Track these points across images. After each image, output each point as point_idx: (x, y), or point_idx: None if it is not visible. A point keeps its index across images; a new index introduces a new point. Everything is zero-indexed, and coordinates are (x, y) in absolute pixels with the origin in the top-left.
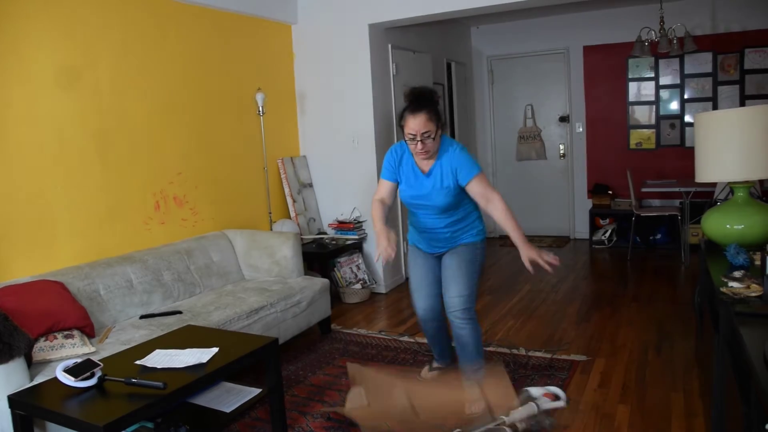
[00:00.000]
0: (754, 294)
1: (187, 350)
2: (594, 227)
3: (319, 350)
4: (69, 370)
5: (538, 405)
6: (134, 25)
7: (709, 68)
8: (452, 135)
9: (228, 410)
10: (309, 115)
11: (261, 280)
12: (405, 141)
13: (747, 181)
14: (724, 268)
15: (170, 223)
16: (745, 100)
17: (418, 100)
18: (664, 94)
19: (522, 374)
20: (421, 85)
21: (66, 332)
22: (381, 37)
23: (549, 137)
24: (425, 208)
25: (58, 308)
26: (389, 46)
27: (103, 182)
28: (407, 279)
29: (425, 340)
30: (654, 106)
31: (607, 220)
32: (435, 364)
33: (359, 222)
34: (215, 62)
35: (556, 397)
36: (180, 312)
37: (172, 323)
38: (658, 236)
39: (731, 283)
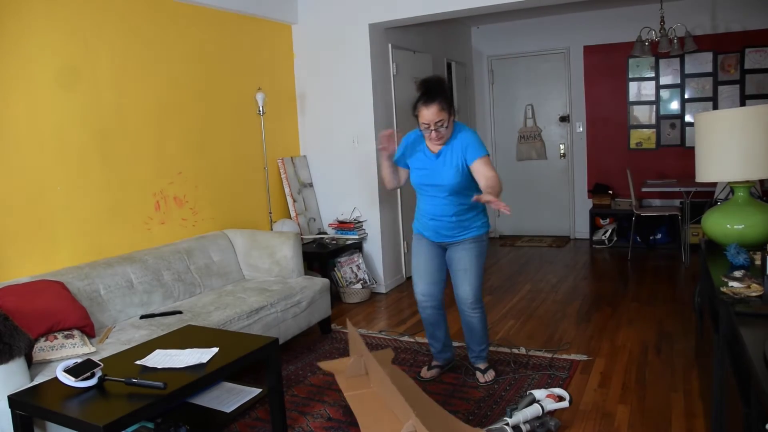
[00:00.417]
0: (754, 294)
1: (188, 350)
2: (594, 227)
3: (319, 350)
4: (69, 370)
5: (542, 406)
6: (134, 25)
7: (709, 68)
8: None
9: (228, 410)
10: (309, 115)
11: (261, 280)
12: (419, 130)
13: (747, 181)
14: (724, 268)
15: (170, 223)
16: (746, 99)
17: (430, 91)
18: (665, 93)
19: (522, 374)
20: (430, 75)
21: (66, 332)
22: (381, 37)
23: (549, 137)
24: (434, 189)
25: (58, 308)
26: (389, 46)
27: (104, 182)
28: (408, 279)
29: (425, 340)
30: (654, 106)
31: (608, 220)
32: (434, 363)
33: (359, 222)
34: (215, 62)
35: (560, 399)
36: (180, 312)
37: (172, 323)
38: (659, 236)
39: (731, 283)
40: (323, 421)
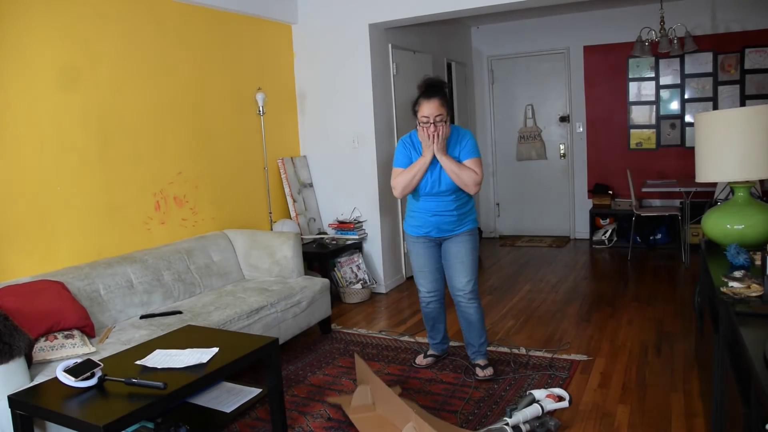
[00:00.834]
0: (754, 294)
1: (187, 350)
2: (594, 227)
3: (319, 350)
4: (69, 370)
5: (542, 406)
6: (134, 25)
7: (709, 68)
8: None
9: (228, 410)
10: (309, 115)
11: (261, 280)
12: (416, 129)
13: (747, 181)
14: (724, 268)
15: (170, 222)
16: (746, 100)
17: (432, 88)
18: (665, 94)
19: (522, 374)
20: (432, 76)
21: (66, 332)
22: (381, 37)
23: (549, 137)
24: (440, 192)
25: (58, 308)
26: (389, 46)
27: (104, 182)
28: (408, 279)
29: (425, 340)
30: (654, 106)
31: (608, 220)
32: (430, 352)
33: (359, 222)
34: (215, 62)
35: (560, 399)
36: (180, 312)
37: (172, 323)
38: (659, 236)
39: (731, 283)
40: (323, 421)
